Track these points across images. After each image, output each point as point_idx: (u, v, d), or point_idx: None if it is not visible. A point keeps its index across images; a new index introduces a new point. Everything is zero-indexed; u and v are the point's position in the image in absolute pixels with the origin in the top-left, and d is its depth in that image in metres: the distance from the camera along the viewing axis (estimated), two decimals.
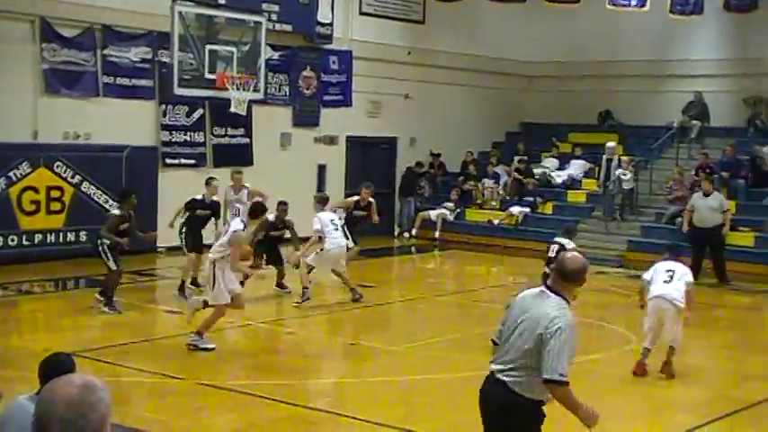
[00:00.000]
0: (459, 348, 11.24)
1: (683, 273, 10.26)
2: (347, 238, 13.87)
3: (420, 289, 15.72)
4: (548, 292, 5.31)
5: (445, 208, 22.83)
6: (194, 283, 13.83)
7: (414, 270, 19.88)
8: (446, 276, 19.56)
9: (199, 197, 14.26)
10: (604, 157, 22.22)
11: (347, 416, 8.42)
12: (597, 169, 22.77)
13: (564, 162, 24.27)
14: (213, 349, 10.42)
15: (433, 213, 22.78)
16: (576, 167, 23.86)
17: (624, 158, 22.17)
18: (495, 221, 22.56)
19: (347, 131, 22.19)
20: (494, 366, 5.29)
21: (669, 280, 10.08)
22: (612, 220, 21.68)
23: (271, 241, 14.23)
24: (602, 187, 22.16)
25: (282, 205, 14.35)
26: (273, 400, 8.77)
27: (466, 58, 24.21)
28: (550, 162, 24.34)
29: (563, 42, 25.26)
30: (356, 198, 15.74)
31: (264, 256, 14.14)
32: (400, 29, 23.33)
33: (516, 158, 24.04)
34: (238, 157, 19.33)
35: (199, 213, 14.18)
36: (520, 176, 23.47)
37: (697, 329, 13.06)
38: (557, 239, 13.54)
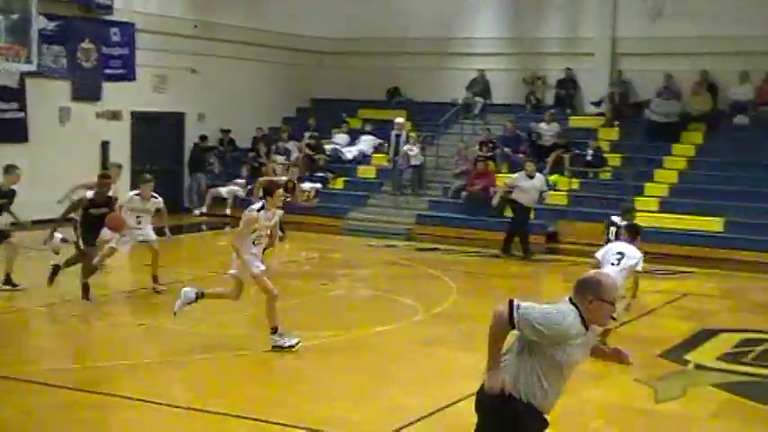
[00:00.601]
0: (251, 326, 11.12)
1: (631, 257, 9.97)
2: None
3: (211, 267, 15.43)
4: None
5: (236, 185, 22.55)
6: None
7: (204, 248, 19.50)
8: None
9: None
10: (393, 132, 22.65)
11: (133, 398, 8.11)
12: (387, 145, 23.18)
13: (354, 138, 24.53)
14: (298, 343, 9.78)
15: (223, 190, 22.48)
16: (366, 143, 24.17)
17: (412, 135, 22.70)
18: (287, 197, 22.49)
19: (132, 106, 21.43)
20: None
21: (617, 263, 9.97)
22: (401, 195, 22.14)
23: (92, 220, 12.30)
24: (391, 162, 22.59)
25: (104, 179, 12.63)
26: (50, 385, 8.33)
27: (255, 33, 23.92)
28: (341, 138, 24.52)
29: (352, 19, 25.46)
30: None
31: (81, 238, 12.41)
32: (186, 2, 22.74)
33: (307, 134, 24.06)
34: (11, 132, 18.20)
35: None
36: (311, 152, 23.52)
37: (477, 298, 13.62)
38: (613, 219, 12.72)
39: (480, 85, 24.41)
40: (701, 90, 21.84)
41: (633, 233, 10.42)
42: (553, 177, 20.97)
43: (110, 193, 12.60)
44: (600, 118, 22.89)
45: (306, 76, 26.25)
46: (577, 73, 23.72)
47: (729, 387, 9.06)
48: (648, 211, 19.68)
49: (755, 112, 21.43)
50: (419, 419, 7.73)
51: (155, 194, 13.22)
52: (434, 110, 24.17)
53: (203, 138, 23.37)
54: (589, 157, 21.17)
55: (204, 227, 21.35)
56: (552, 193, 19.58)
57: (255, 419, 7.62)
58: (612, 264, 9.88)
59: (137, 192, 13.34)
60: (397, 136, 22.61)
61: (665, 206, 19.77)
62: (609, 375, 9.59)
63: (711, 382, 9.22)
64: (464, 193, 21.14)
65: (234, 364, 9.51)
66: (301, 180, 22.77)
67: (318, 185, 22.68)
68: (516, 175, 18.16)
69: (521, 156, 21.95)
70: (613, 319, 5.02)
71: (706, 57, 21.83)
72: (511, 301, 4.84)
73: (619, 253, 10.03)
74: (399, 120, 22.93)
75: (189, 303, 10.13)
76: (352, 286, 15.06)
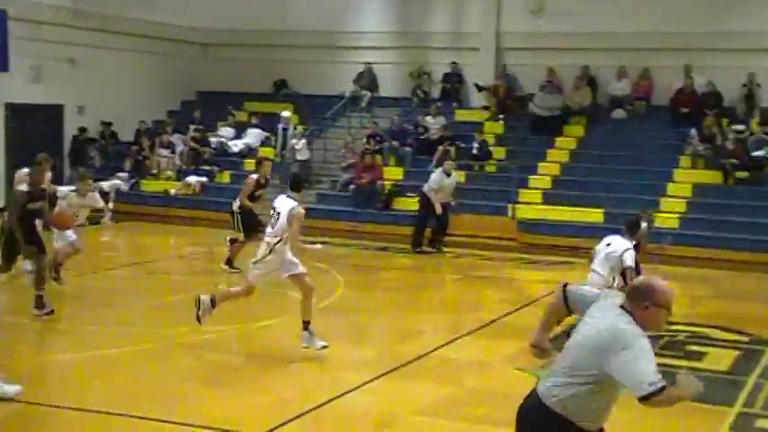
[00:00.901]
0: (134, 321, 10.85)
1: (616, 250, 9.94)
2: None
3: (93, 262, 15.01)
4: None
5: (119, 178, 22.02)
6: None
7: (85, 243, 18.93)
8: (120, 249, 18.90)
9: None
10: (280, 126, 22.50)
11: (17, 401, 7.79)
12: (274, 138, 23.00)
13: (240, 131, 24.26)
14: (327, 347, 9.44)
15: (105, 184, 21.86)
16: (253, 136, 23.93)
17: (300, 128, 22.60)
18: (172, 192, 22.13)
19: (6, 98, 20.65)
20: None
21: (603, 255, 10.02)
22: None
23: (29, 217, 11.00)
24: (279, 156, 22.42)
25: (41, 165, 11.71)
26: None
27: (138, 24, 23.38)
28: (227, 131, 24.21)
29: (238, 11, 25.14)
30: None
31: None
32: None
33: (192, 127, 23.68)
34: None
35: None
36: (196, 146, 23.15)
37: (364, 291, 13.65)
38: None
39: (367, 79, 24.47)
40: (581, 85, 22.41)
41: (628, 227, 10.45)
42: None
43: (42, 186, 11.51)
44: (485, 112, 23.24)
45: (190, 67, 25.80)
46: (463, 67, 24.01)
47: None
48: (533, 204, 20.15)
49: (632, 106, 22.12)
50: (302, 414, 7.68)
51: (92, 190, 12.73)
52: (322, 103, 24.09)
53: (82, 130, 22.74)
54: (475, 151, 21.46)
55: (85, 221, 20.72)
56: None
57: (133, 417, 7.43)
58: (598, 257, 10.06)
59: (73, 188, 12.74)
60: (285, 129, 22.48)
61: (549, 198, 20.21)
62: (492, 365, 9.74)
63: None
64: (352, 187, 21.16)
65: (115, 360, 9.25)
66: (186, 173, 22.46)
67: (204, 179, 22.34)
68: (437, 176, 17.73)
69: (407, 149, 22.13)
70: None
71: (586, 52, 22.40)
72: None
73: (608, 245, 10.14)
74: (286, 113, 22.81)
75: (211, 309, 9.67)
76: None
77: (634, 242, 10.35)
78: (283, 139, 22.49)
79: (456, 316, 12.33)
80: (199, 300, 9.60)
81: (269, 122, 23.62)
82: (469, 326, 11.26)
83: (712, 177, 19.75)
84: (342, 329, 10.61)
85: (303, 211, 9.57)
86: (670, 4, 21.77)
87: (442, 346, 10.28)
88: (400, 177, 21.76)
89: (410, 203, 20.67)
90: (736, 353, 10.27)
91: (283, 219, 9.56)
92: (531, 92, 22.71)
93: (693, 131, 20.30)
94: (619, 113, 22.06)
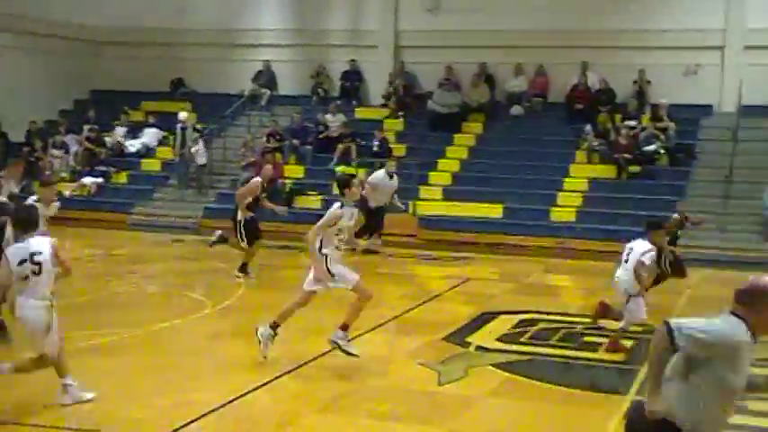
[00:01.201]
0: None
1: (638, 252, 9.92)
2: None
3: None
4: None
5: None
6: None
7: None
8: None
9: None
10: (178, 125, 22.16)
11: None
12: (172, 138, 22.64)
13: (137, 130, 23.80)
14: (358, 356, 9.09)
15: None
16: (150, 136, 23.53)
17: (198, 127, 22.31)
18: (66, 193, 21.44)
19: None
20: None
21: (626, 261, 9.97)
22: (188, 188, 21.70)
23: None
24: (177, 156, 22.09)
25: (14, 167, 11.27)
26: None
27: (27, 21, 22.70)
28: (123, 130, 23.71)
29: (134, 8, 24.68)
30: None
31: None
32: None
33: (87, 127, 23.13)
34: None
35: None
36: (91, 146, 22.62)
37: (266, 290, 13.55)
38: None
39: (266, 77, 24.30)
40: (479, 82, 22.71)
41: (649, 227, 10.56)
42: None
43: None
44: (385, 109, 23.32)
45: (83, 66, 25.17)
46: (362, 65, 24.06)
47: (507, 366, 9.44)
48: (433, 200, 20.34)
49: (529, 102, 22.52)
50: (204, 415, 7.57)
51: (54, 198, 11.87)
52: (221, 101, 23.80)
53: None
54: (375, 148, 21.52)
55: None
56: None
57: (29, 425, 7.22)
58: (625, 261, 10.05)
59: (36, 197, 11.81)
60: (183, 129, 22.15)
61: (449, 194, 20.43)
62: (395, 361, 9.79)
63: (491, 362, 9.57)
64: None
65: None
66: (81, 174, 21.90)
67: (100, 180, 21.77)
68: (380, 174, 17.59)
69: (308, 147, 22.05)
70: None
71: (483, 50, 22.71)
72: (667, 322, 4.48)
73: (629, 249, 10.14)
74: (183, 114, 22.49)
75: (272, 338, 9.22)
76: (139, 283, 14.57)
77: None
78: (182, 138, 22.15)
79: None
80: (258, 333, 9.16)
81: (166, 122, 23.23)
82: (371, 322, 11.27)
83: (607, 172, 20.28)
84: (243, 329, 10.48)
85: (340, 212, 9.16)
86: (565, 3, 22.24)
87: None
88: (301, 175, 21.70)
89: (312, 201, 20.65)
90: (631, 342, 10.55)
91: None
92: (430, 89, 22.90)
93: (588, 127, 20.80)
94: (516, 110, 22.43)
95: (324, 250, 9.20)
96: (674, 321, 4.46)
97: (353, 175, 10.37)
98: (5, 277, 7.49)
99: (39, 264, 7.44)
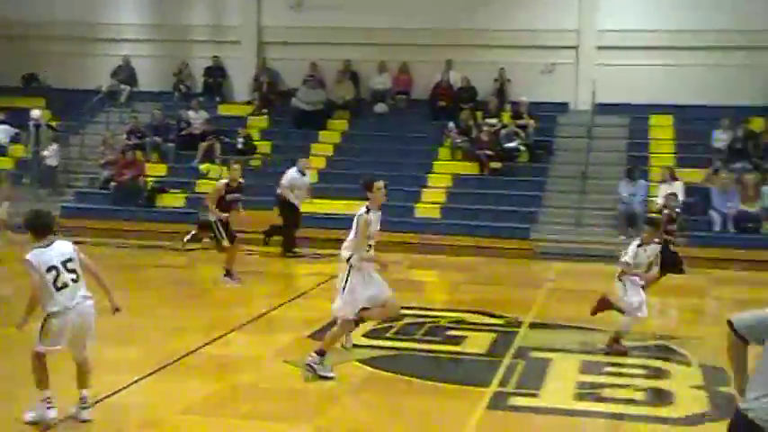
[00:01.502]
0: None
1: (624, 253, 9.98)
2: None
3: None
4: None
5: None
6: None
7: None
8: None
9: None
10: (31, 122, 21.40)
11: None
12: (25, 135, 21.81)
13: None
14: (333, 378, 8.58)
15: None
16: (1, 132, 22.58)
17: (51, 125, 21.60)
18: None
19: None
20: None
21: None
22: (43, 188, 20.96)
23: None
24: (31, 154, 21.32)
25: None
26: None
27: None
28: None
29: None
30: None
31: None
32: None
33: None
34: None
35: None
36: None
37: (129, 290, 13.20)
38: None
39: (126, 72, 23.69)
40: (343, 79, 22.78)
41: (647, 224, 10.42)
42: (205, 166, 20.88)
43: None
44: (249, 106, 23.10)
45: None
46: (225, 61, 23.75)
47: (372, 362, 9.52)
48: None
49: (393, 100, 22.75)
50: (64, 419, 7.33)
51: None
52: (78, 98, 23.03)
53: None
54: (240, 145, 21.30)
55: None
56: (204, 181, 19.47)
57: None
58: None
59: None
60: (37, 126, 21.38)
61: (315, 191, 20.35)
62: (261, 359, 9.71)
63: (357, 358, 9.62)
64: (113, 184, 20.44)
65: None
66: None
67: None
68: (290, 174, 17.14)
69: (170, 144, 21.64)
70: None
71: (348, 47, 22.77)
72: (729, 321, 4.59)
73: (624, 252, 10.10)
74: (36, 111, 21.71)
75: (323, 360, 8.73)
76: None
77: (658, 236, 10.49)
78: (36, 136, 21.38)
79: (224, 312, 12.17)
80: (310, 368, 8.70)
81: (18, 118, 22.33)
82: (238, 321, 11.17)
83: (470, 168, 20.68)
84: (106, 330, 10.18)
85: (369, 218, 8.76)
86: (428, 2, 22.51)
87: (210, 342, 10.13)
88: (164, 173, 21.27)
89: (174, 200, 20.29)
90: (493, 335, 10.79)
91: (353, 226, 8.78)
92: (295, 86, 22.82)
93: (451, 124, 21.17)
94: (381, 107, 22.61)
95: (351, 261, 8.85)
96: (734, 316, 4.62)
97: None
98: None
99: None
